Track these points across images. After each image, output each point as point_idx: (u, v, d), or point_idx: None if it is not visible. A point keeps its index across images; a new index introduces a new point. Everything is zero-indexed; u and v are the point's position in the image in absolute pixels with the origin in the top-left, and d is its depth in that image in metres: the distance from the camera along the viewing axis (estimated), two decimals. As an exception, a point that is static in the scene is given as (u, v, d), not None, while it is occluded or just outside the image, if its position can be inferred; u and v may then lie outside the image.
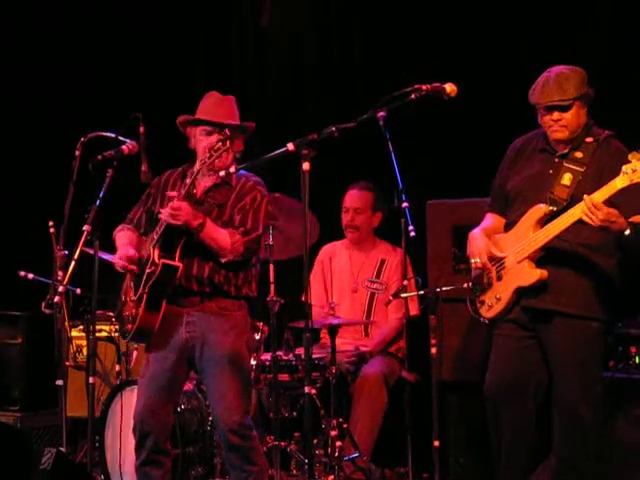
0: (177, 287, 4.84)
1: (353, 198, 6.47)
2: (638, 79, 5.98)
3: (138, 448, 4.91)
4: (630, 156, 4.32)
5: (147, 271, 4.80)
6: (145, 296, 4.81)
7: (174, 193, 4.82)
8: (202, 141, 4.95)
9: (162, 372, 4.89)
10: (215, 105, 5.02)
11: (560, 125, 4.67)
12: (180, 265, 4.79)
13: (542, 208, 4.64)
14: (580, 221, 4.45)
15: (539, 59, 5.05)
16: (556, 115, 4.66)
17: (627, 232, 4.45)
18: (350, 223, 6.47)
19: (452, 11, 6.69)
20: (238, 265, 4.90)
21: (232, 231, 4.85)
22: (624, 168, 4.32)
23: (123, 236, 5.05)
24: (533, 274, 4.65)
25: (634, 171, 4.30)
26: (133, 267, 4.87)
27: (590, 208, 4.37)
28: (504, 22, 6.47)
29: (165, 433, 4.94)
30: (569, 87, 4.61)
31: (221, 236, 4.82)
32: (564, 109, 4.65)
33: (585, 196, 4.42)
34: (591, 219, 4.39)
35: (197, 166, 4.84)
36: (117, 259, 4.90)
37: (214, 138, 4.90)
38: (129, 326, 4.90)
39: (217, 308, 4.89)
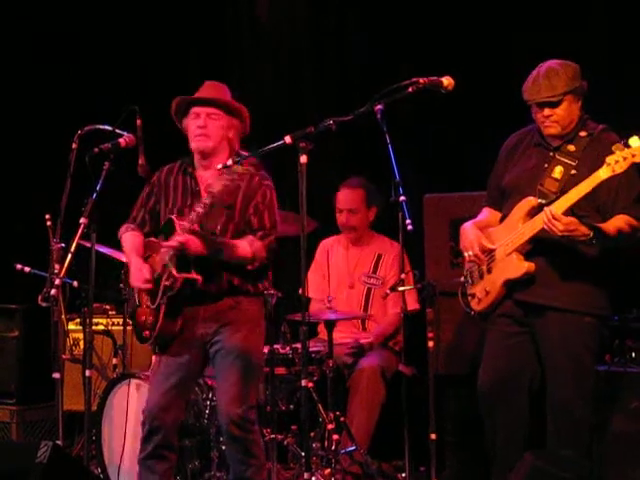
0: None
1: (346, 199, 6.46)
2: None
3: (145, 441, 4.87)
4: (614, 147, 4.35)
5: (165, 283, 4.73)
6: (164, 307, 4.76)
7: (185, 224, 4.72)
8: (192, 124, 4.90)
9: (177, 368, 4.87)
10: (208, 88, 4.97)
11: (552, 121, 4.68)
12: (199, 278, 4.71)
13: (531, 201, 4.65)
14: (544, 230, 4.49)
15: (537, 53, 5.04)
16: (547, 111, 4.66)
17: (590, 238, 4.46)
18: (346, 224, 6.47)
19: (453, 2, 6.68)
20: (263, 267, 4.90)
21: (251, 239, 4.81)
22: (607, 159, 4.35)
23: (129, 241, 4.97)
24: (521, 267, 4.65)
25: (616, 162, 4.32)
26: (150, 286, 4.80)
27: (550, 220, 4.40)
28: (505, 13, 6.45)
29: (175, 429, 4.91)
30: (558, 82, 4.61)
31: (241, 250, 4.78)
32: (554, 105, 4.64)
33: (545, 208, 4.46)
34: (551, 229, 4.42)
35: (217, 188, 4.63)
36: (135, 282, 4.82)
37: (203, 120, 4.84)
38: (147, 333, 4.83)
39: (233, 302, 4.86)
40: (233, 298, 4.86)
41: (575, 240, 4.49)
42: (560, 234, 4.43)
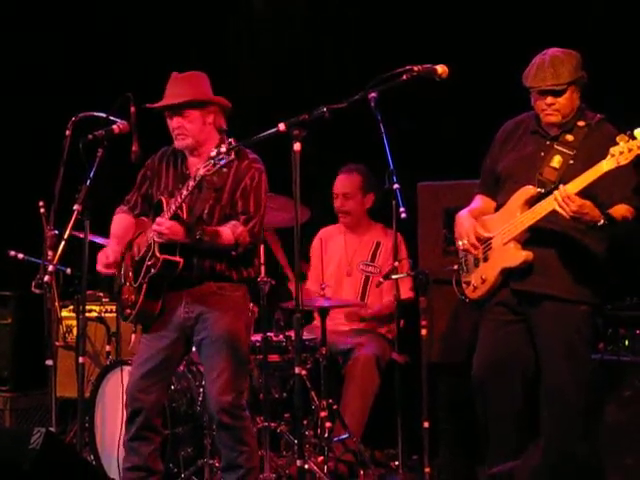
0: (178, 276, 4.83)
1: (342, 183, 6.50)
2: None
3: (128, 423, 4.92)
4: (618, 138, 4.32)
5: (147, 263, 4.79)
6: (145, 286, 4.82)
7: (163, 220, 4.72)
8: (168, 123, 4.93)
9: (158, 350, 4.90)
10: (171, 86, 4.95)
11: (553, 109, 4.66)
12: (181, 260, 4.75)
13: (530, 189, 4.64)
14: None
15: (533, 41, 5.04)
16: (549, 99, 4.64)
17: (600, 223, 4.45)
18: (340, 209, 6.50)
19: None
20: (246, 251, 4.89)
21: (234, 224, 4.80)
22: (611, 150, 4.32)
23: (114, 224, 5.03)
24: (518, 256, 4.65)
25: (621, 153, 4.30)
26: (111, 271, 4.88)
27: (564, 199, 4.38)
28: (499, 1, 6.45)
29: (157, 410, 4.95)
30: (563, 72, 4.59)
31: (223, 237, 4.77)
32: (558, 94, 4.63)
33: (560, 186, 4.44)
34: (564, 209, 4.40)
35: (201, 171, 4.53)
36: (97, 265, 4.87)
37: (175, 121, 4.87)
38: (128, 311, 4.92)
39: (216, 288, 4.87)
40: (216, 283, 4.87)
41: (581, 223, 4.47)
42: (571, 215, 4.42)
